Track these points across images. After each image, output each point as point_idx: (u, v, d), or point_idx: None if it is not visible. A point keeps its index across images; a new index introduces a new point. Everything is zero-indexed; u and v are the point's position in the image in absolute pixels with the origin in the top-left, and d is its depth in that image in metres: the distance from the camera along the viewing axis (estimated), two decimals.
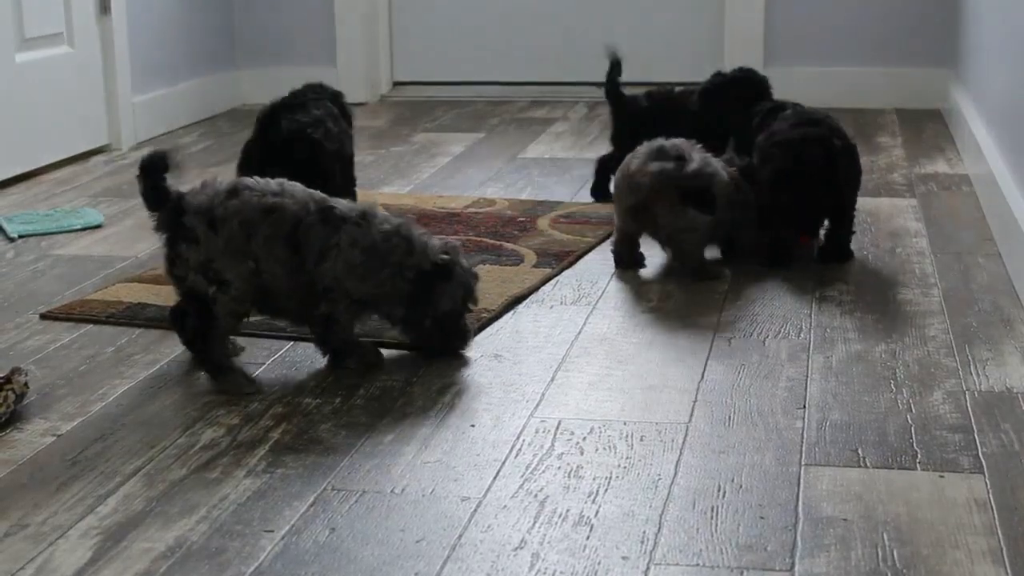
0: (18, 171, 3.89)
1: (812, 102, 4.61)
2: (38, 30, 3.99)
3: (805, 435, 2.04)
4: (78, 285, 2.86)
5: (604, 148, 4.16)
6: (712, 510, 1.81)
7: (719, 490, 1.86)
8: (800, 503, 1.82)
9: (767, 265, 2.87)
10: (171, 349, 2.46)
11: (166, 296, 2.71)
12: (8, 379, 2.16)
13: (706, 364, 2.34)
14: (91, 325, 2.61)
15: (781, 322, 2.55)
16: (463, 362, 2.38)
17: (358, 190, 3.29)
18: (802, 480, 1.89)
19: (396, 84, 5.29)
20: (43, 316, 2.66)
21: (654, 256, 2.92)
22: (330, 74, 5.13)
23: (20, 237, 3.26)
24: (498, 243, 3.08)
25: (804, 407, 2.15)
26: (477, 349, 2.43)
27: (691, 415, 2.12)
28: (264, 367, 2.37)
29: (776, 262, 2.87)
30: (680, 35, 5.06)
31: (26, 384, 2.19)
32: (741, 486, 1.87)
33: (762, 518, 1.78)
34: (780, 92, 4.71)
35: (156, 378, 2.33)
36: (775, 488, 1.87)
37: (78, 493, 1.90)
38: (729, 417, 2.12)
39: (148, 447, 2.05)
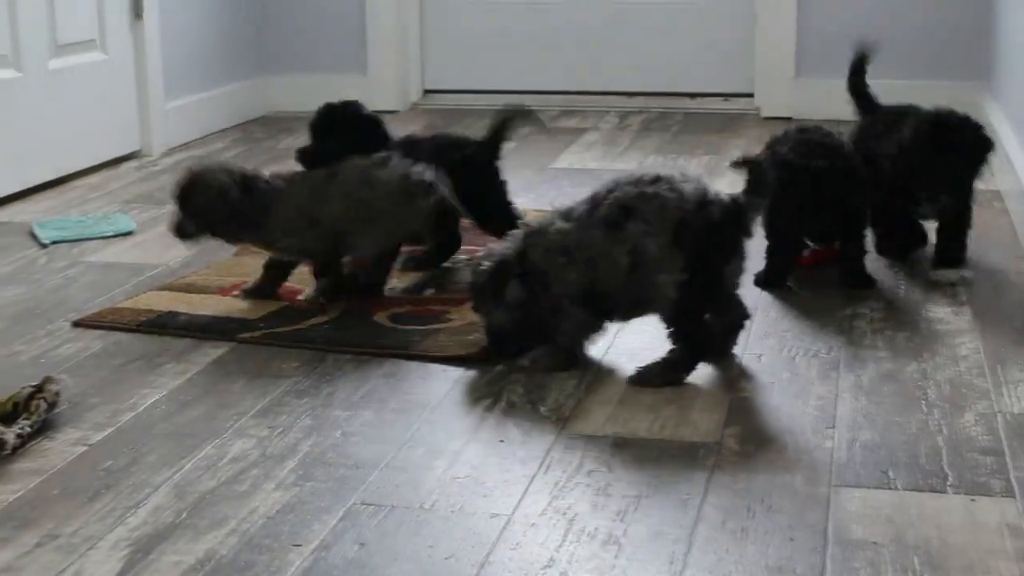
0: (50, 177, 3.91)
1: (843, 114, 4.60)
2: (71, 36, 4.02)
3: (835, 455, 2.03)
4: (109, 292, 2.87)
5: (635, 158, 4.18)
6: (742, 531, 1.80)
7: (749, 510, 1.86)
8: (830, 525, 1.82)
9: (760, 285, 2.83)
10: (201, 358, 2.47)
11: (196, 305, 2.73)
12: (40, 388, 2.18)
13: (736, 382, 2.34)
14: (122, 333, 2.62)
15: (811, 340, 2.54)
16: (493, 376, 2.38)
17: None
18: (832, 501, 1.88)
19: (427, 92, 5.29)
20: (75, 324, 2.67)
21: None
22: (361, 82, 5.15)
23: (52, 243, 3.28)
24: None
25: (834, 427, 2.14)
26: (506, 363, 2.43)
27: (721, 433, 2.12)
28: (293, 379, 2.37)
29: (768, 283, 2.84)
30: (711, 46, 5.05)
31: (57, 393, 2.20)
32: (771, 507, 1.87)
33: (792, 539, 1.78)
34: (811, 105, 4.72)
35: (186, 388, 2.34)
36: (805, 509, 1.86)
37: (108, 504, 1.90)
38: (759, 436, 2.11)
39: (178, 458, 2.05)
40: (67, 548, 1.78)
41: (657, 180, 2.32)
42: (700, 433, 2.12)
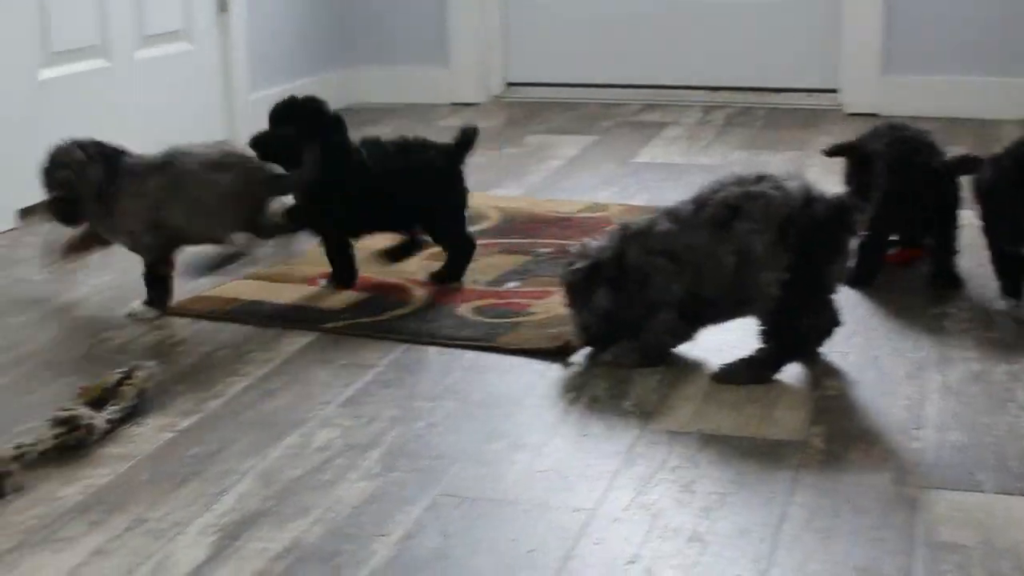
0: None
1: (931, 112, 4.55)
2: (158, 27, 4.06)
3: (923, 457, 2.01)
4: (195, 281, 2.89)
5: (718, 153, 4.16)
6: (828, 530, 1.79)
7: (835, 510, 1.84)
8: (917, 527, 1.80)
9: (849, 284, 2.77)
10: (287, 347, 2.49)
11: (282, 294, 2.75)
12: (129, 374, 2.20)
13: (822, 380, 2.32)
14: (208, 322, 2.64)
15: (898, 339, 2.52)
16: (576, 370, 2.38)
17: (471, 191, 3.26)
18: (919, 503, 1.86)
19: (509, 85, 5.29)
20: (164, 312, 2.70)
21: None
22: (442, 74, 5.16)
23: None
24: None
25: (921, 427, 2.12)
26: (591, 357, 2.43)
27: (807, 432, 2.10)
28: (377, 370, 2.39)
29: (858, 281, 2.80)
30: (795, 41, 5.01)
31: (146, 380, 2.22)
32: (857, 507, 1.85)
33: (879, 541, 1.76)
34: (897, 102, 4.66)
35: (271, 377, 2.36)
36: (892, 510, 1.84)
37: (196, 490, 1.92)
38: (845, 435, 2.09)
39: (264, 446, 2.07)
40: (156, 533, 1.80)
41: (761, 179, 2.31)
42: (786, 431, 2.11)
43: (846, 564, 1.70)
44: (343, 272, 2.82)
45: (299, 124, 2.76)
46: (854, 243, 2.38)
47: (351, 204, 2.75)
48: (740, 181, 2.33)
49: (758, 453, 2.03)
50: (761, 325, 2.32)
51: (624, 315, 2.37)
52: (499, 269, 2.95)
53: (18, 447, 1.98)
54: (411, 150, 2.82)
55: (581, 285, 2.39)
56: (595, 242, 2.43)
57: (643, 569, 1.70)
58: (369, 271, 2.90)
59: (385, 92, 5.23)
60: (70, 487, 1.94)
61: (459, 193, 2.86)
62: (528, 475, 1.97)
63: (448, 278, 2.85)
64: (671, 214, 2.37)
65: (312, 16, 4.97)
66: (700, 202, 2.35)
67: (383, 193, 2.75)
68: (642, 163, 4.08)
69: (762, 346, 2.32)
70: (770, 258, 2.26)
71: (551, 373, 2.37)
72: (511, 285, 2.84)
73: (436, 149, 2.83)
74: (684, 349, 2.44)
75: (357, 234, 2.83)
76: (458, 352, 2.47)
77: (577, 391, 2.29)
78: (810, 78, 5.01)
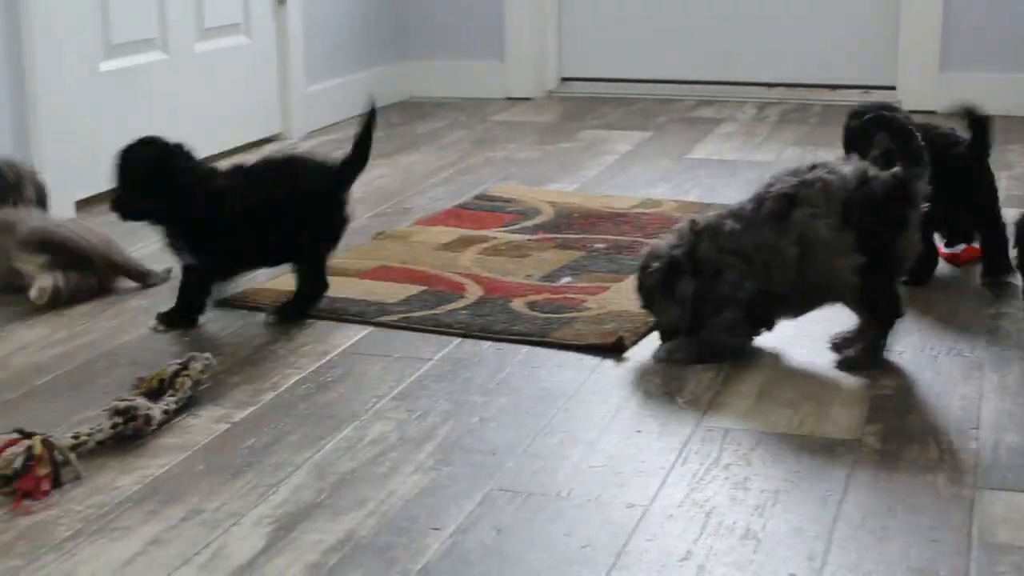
0: None
1: (989, 109, 4.49)
2: (217, 20, 4.09)
3: (979, 457, 2.00)
4: (251, 274, 2.91)
5: (773, 150, 4.14)
6: (883, 530, 1.78)
7: (890, 510, 1.83)
8: (974, 528, 1.78)
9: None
10: (341, 341, 2.50)
11: (336, 287, 2.75)
12: (185, 365, 2.22)
13: (877, 379, 2.31)
14: (263, 314, 2.66)
15: (954, 338, 2.50)
16: (631, 366, 2.38)
17: (525, 186, 3.28)
18: (976, 504, 1.85)
19: (563, 80, 5.29)
20: (218, 303, 2.72)
21: None
22: (497, 69, 5.16)
23: None
24: None
25: (978, 428, 2.10)
26: (646, 353, 2.42)
27: (861, 431, 2.09)
28: (431, 363, 2.39)
29: (913, 280, 2.77)
30: (852, 37, 4.98)
31: (202, 371, 2.23)
32: (912, 507, 1.84)
33: (934, 541, 1.75)
34: (956, 99, 4.60)
35: (326, 370, 2.37)
36: (948, 511, 1.83)
37: (251, 481, 1.94)
38: (900, 434, 2.08)
39: (318, 438, 2.08)
40: (211, 523, 1.81)
41: (815, 167, 2.34)
42: (840, 430, 2.10)
43: (901, 564, 1.69)
44: (186, 310, 2.61)
45: (155, 177, 2.55)
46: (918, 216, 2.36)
47: (222, 242, 2.58)
48: (794, 172, 2.35)
49: (813, 451, 2.02)
50: (855, 311, 2.36)
51: (698, 309, 2.37)
52: (553, 264, 2.95)
53: (76, 436, 2.01)
54: (285, 173, 2.64)
55: (661, 284, 2.39)
56: (663, 242, 2.43)
57: (696, 566, 1.70)
58: (420, 264, 2.91)
59: (441, 86, 5.24)
60: (127, 477, 1.96)
61: (336, 221, 2.65)
62: (581, 470, 1.97)
63: (293, 314, 2.64)
64: (735, 214, 2.38)
65: (368, 10, 4.99)
66: (759, 199, 2.35)
67: (256, 226, 2.58)
68: (696, 159, 4.06)
69: (863, 332, 2.37)
70: (838, 242, 2.27)
71: (605, 368, 2.37)
72: (565, 280, 2.84)
73: (316, 170, 2.65)
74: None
75: (233, 271, 2.69)
76: (512, 347, 2.47)
77: (631, 387, 2.29)
78: (867, 75, 4.97)
